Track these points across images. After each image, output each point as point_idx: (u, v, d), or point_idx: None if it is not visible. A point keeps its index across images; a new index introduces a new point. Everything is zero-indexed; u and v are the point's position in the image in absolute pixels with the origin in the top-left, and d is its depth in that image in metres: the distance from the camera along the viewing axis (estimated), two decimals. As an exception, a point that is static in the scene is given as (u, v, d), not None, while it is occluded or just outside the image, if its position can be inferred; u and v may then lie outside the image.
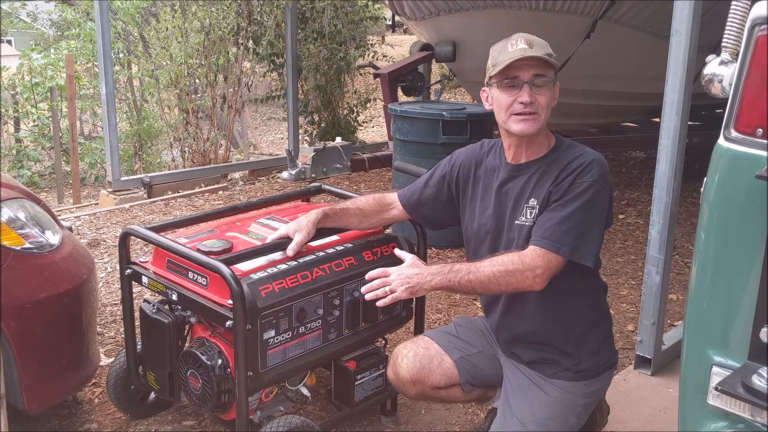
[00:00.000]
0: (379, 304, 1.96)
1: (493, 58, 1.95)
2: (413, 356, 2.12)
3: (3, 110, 9.67)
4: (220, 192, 6.09)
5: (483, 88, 2.03)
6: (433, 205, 2.23)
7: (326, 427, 2.40)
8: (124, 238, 2.35)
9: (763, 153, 1.38)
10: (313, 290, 2.17)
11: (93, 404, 2.72)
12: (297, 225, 2.22)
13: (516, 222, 1.99)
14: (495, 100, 1.98)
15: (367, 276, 2.00)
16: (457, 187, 2.17)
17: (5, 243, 2.19)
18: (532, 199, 1.96)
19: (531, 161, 2.01)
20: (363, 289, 1.99)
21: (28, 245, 2.27)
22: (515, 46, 1.90)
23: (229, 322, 2.01)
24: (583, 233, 1.87)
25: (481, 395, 2.24)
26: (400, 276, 1.94)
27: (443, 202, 2.21)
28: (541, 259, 1.86)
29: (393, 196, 2.30)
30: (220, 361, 2.15)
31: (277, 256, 2.20)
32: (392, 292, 1.94)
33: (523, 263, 1.87)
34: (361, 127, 8.73)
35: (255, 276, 2.08)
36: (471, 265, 1.92)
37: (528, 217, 1.96)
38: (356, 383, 2.39)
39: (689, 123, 2.82)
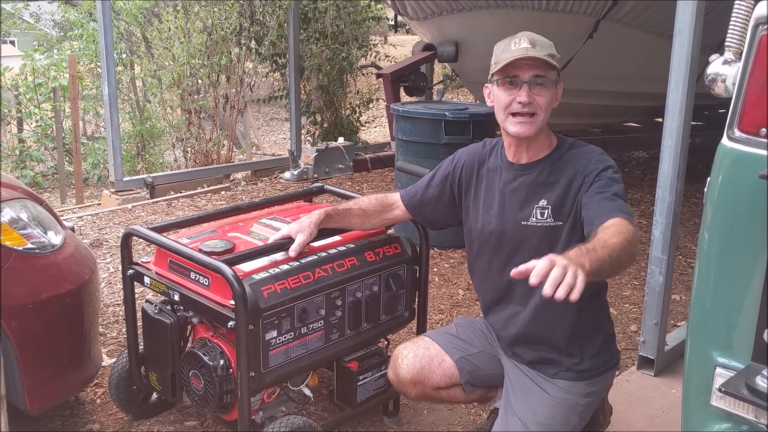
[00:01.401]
0: (570, 296, 1.41)
1: (496, 55, 1.95)
2: (413, 357, 2.12)
3: (6, 111, 9.69)
4: (223, 192, 6.10)
5: (486, 85, 2.04)
6: (435, 205, 2.22)
7: (328, 427, 2.39)
8: (127, 239, 2.35)
9: (767, 153, 1.38)
10: (315, 291, 2.17)
11: (95, 405, 2.73)
12: (299, 225, 2.22)
13: (524, 223, 1.97)
14: (495, 97, 1.98)
15: (523, 271, 1.45)
16: (460, 188, 2.16)
17: (7, 243, 2.19)
18: (543, 200, 1.96)
19: (535, 161, 2.00)
20: (545, 290, 1.40)
21: (30, 245, 2.27)
22: (518, 45, 1.90)
23: (231, 323, 2.01)
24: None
25: (483, 395, 2.23)
26: (563, 262, 1.43)
27: (445, 202, 2.20)
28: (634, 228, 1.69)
29: (395, 197, 2.30)
30: (222, 362, 2.15)
31: (279, 256, 2.19)
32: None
33: (631, 231, 1.65)
34: (363, 128, 8.73)
35: (257, 276, 2.08)
36: (596, 241, 1.61)
37: (540, 217, 1.95)
38: (358, 384, 2.39)
39: (692, 123, 2.81)
